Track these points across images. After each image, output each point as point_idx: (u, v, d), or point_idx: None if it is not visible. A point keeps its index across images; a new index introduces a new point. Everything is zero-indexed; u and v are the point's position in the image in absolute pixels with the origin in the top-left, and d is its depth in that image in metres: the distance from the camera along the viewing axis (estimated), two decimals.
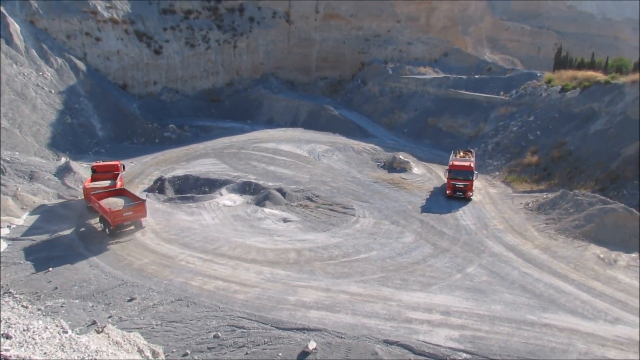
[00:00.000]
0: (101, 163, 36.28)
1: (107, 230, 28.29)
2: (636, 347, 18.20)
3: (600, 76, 48.68)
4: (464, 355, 17.22)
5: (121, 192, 30.86)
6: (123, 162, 37.67)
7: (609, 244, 27.78)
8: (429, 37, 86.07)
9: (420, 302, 21.18)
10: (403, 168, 44.30)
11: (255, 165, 43.48)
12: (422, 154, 51.47)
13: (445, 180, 38.02)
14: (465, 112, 57.44)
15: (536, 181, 39.95)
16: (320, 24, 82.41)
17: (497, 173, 44.22)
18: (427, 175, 43.47)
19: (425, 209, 34.91)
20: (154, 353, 10.71)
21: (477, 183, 40.35)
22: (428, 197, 37.79)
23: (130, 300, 20.85)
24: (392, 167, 44.75)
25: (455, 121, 57.28)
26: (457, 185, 36.72)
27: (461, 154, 41.82)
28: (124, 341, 10.12)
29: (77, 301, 20.66)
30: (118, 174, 34.57)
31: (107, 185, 32.53)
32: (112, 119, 53.15)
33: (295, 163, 44.58)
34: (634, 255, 26.57)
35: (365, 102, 69.29)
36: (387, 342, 17.79)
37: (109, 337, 10.05)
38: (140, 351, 10.24)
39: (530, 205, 34.83)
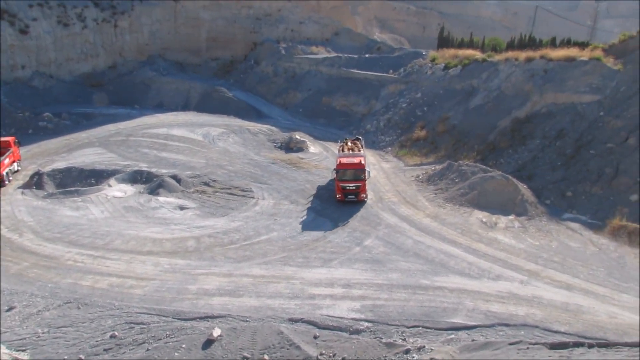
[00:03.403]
0: None
1: None
2: (514, 299, 20.22)
3: (478, 54, 52.24)
4: (366, 324, 17.96)
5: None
6: None
7: (490, 208, 30.42)
8: (320, 17, 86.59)
9: (322, 278, 21.66)
10: (300, 148, 44.56)
11: (146, 153, 41.14)
12: (317, 132, 52.10)
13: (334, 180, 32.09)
14: (357, 90, 58.97)
15: (425, 154, 42.36)
16: (208, 3, 79.21)
17: (390, 148, 46.20)
18: (323, 154, 44.16)
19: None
20: None
21: (371, 158, 41.70)
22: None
23: (9, 309, 18.78)
24: (289, 147, 44.82)
25: (348, 100, 58.64)
26: (347, 188, 31.27)
27: (349, 144, 37.55)
28: None
29: None
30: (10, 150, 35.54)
31: None
32: None
33: (189, 148, 42.90)
34: (511, 217, 29.42)
35: (259, 83, 68.39)
36: (292, 320, 18.02)
37: None
38: None
39: (420, 177, 36.91)
